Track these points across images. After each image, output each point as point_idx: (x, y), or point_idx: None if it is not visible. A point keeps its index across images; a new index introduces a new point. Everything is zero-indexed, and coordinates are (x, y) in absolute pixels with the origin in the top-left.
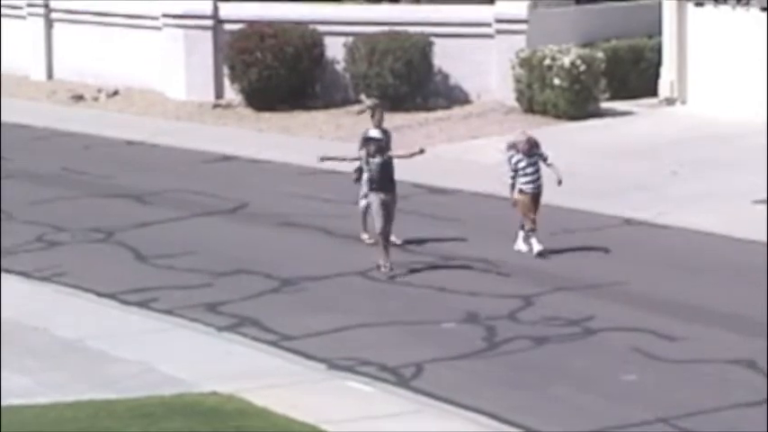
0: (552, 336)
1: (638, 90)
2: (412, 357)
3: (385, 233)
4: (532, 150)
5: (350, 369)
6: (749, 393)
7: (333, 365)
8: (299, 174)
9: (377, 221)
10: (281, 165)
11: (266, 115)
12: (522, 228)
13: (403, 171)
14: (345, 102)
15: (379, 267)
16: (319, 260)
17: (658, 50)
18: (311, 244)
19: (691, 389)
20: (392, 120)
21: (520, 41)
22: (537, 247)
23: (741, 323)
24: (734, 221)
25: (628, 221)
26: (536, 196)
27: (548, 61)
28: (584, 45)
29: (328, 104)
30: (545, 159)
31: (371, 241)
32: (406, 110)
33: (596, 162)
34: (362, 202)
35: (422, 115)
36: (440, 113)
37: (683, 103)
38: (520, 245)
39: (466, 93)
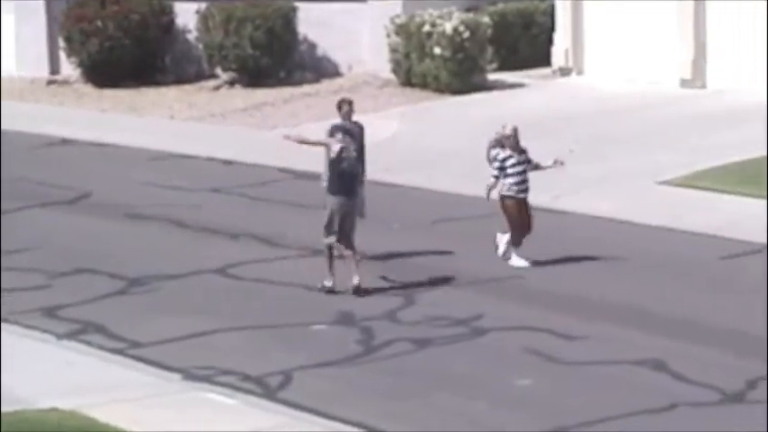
0: (436, 337)
1: (529, 59)
2: (278, 365)
3: (348, 243)
4: (518, 146)
5: (208, 379)
6: (657, 398)
7: (189, 375)
8: (149, 159)
9: (330, 228)
10: (128, 149)
11: (109, 93)
12: (511, 239)
13: (265, 154)
14: (199, 76)
15: (324, 287)
16: (172, 256)
17: (551, 14)
18: (163, 238)
19: (592, 393)
20: (252, 96)
21: (395, 6)
22: (518, 263)
23: (648, 320)
24: (637, 205)
25: None
26: (522, 202)
27: (427, 28)
28: (468, 9)
29: (180, 80)
30: (529, 162)
31: (359, 258)
32: (268, 85)
33: (483, 141)
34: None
35: (286, 91)
36: (306, 88)
37: (579, 73)
38: (516, 260)
39: (335, 64)
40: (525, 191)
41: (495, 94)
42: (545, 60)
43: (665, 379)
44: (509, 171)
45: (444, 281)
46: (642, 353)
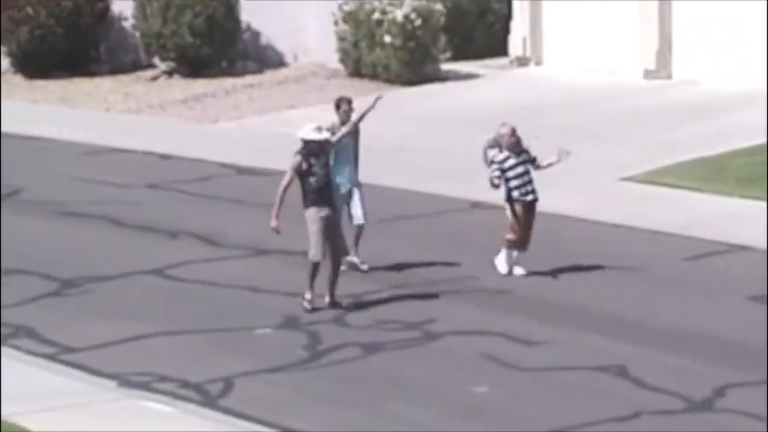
0: (387, 342)
1: (485, 49)
2: (220, 371)
3: (336, 262)
4: (519, 146)
5: (145, 386)
6: (619, 405)
7: (125, 382)
8: (82, 153)
9: (317, 245)
10: (60, 142)
11: (40, 83)
12: (509, 246)
13: (206, 148)
14: (135, 66)
15: (308, 306)
16: (107, 256)
17: (507, 1)
18: (97, 237)
19: (551, 401)
20: (192, 87)
21: None
22: (519, 271)
23: (609, 323)
24: (599, 202)
25: (475, 205)
26: (529, 206)
27: (377, 15)
28: None
29: (115, 70)
30: (533, 161)
31: (365, 267)
32: (209, 75)
33: (436, 135)
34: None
35: (228, 81)
36: (249, 79)
37: (538, 63)
38: (503, 267)
39: (280, 54)
40: (528, 193)
41: (448, 85)
42: (501, 50)
43: (627, 386)
44: (509, 174)
45: (393, 282)
46: (603, 358)
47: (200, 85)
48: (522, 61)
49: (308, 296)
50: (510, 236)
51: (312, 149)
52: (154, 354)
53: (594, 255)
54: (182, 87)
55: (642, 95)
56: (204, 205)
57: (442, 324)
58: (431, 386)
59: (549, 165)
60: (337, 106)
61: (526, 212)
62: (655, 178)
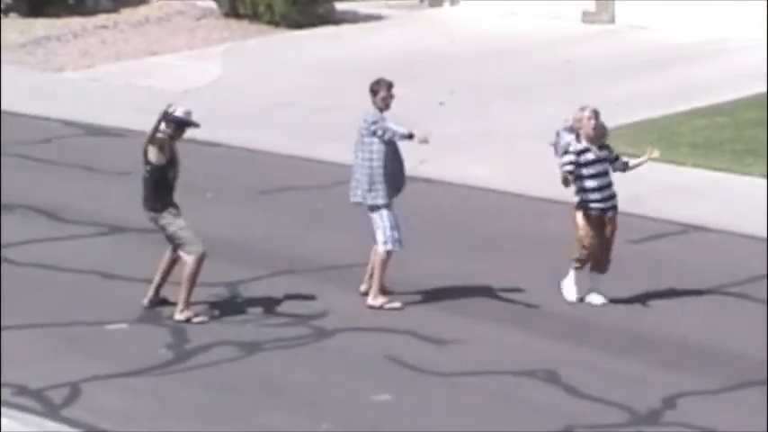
0: (268, 340)
1: None
2: (64, 374)
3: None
4: (604, 136)
5: None
6: (548, 417)
7: None
8: None
9: (192, 251)
10: None
11: None
12: (578, 265)
13: (48, 103)
14: None
15: (189, 319)
16: None
17: None
18: None
19: (466, 412)
20: (32, 29)
21: None
22: (596, 299)
23: (537, 319)
24: (525, 172)
25: None
26: (604, 217)
27: None
28: None
29: None
30: (615, 160)
31: (365, 289)
32: (53, 14)
33: (328, 87)
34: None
35: (76, 22)
36: (101, 19)
37: (453, 3)
38: (571, 292)
39: None
40: (606, 200)
41: (344, 28)
42: None
43: (558, 394)
44: (584, 171)
45: (276, 268)
46: (529, 361)
47: (42, 26)
48: (435, 1)
49: (187, 314)
50: (581, 252)
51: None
52: None
53: (518, 235)
54: (20, 28)
55: (579, 44)
56: (46, 172)
57: (336, 319)
58: (322, 394)
59: (639, 164)
60: (374, 92)
61: (603, 224)
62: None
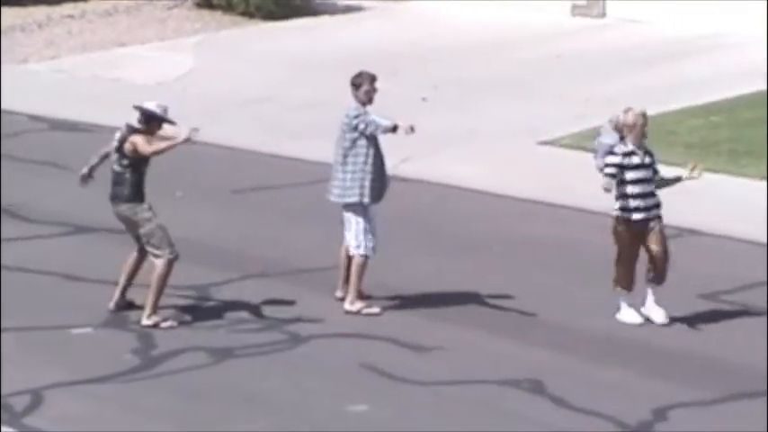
0: (240, 346)
1: None
2: (26, 381)
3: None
4: (642, 140)
5: None
6: (533, 427)
7: None
8: None
9: (167, 240)
10: None
11: None
12: (622, 281)
13: (11, 96)
14: None
15: (157, 324)
16: None
17: None
18: None
19: (448, 423)
20: None
21: None
22: (631, 317)
23: (522, 326)
24: (511, 171)
25: None
26: (645, 226)
27: None
28: None
29: None
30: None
31: (341, 295)
32: (17, 3)
33: (305, 81)
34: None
35: (41, 11)
36: (68, 8)
37: None
38: (626, 312)
39: None
40: (650, 208)
41: (322, 20)
42: None
43: (543, 404)
44: (627, 176)
45: (249, 270)
46: (514, 369)
47: (5, 16)
48: None
49: (155, 318)
50: (618, 268)
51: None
52: None
53: (502, 238)
54: None
55: (568, 38)
56: (10, 168)
57: (311, 324)
58: (296, 403)
59: (676, 181)
60: (356, 85)
61: (640, 234)
62: (582, 143)
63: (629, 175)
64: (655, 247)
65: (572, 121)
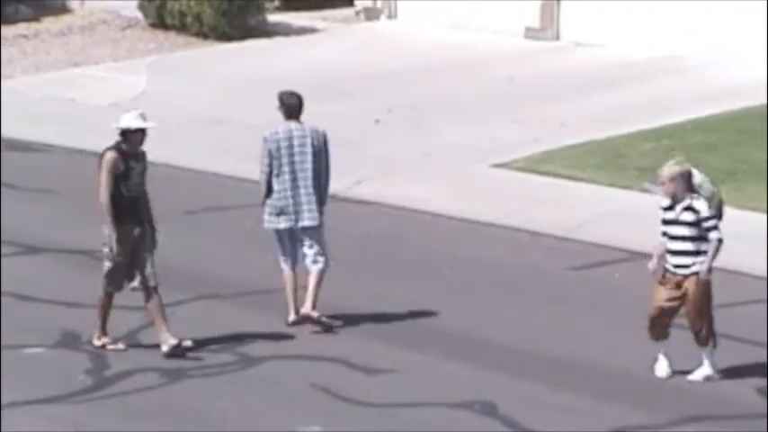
0: (191, 367)
1: None
2: None
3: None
4: (687, 192)
5: None
6: None
7: None
8: None
9: (118, 273)
10: None
11: None
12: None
13: None
14: None
15: (104, 346)
16: None
17: None
18: None
19: None
20: None
21: None
22: (662, 370)
23: (474, 348)
24: (463, 194)
25: None
26: (680, 282)
27: None
28: None
29: None
30: (706, 218)
31: (294, 319)
32: None
33: (259, 103)
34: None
35: None
36: (22, 28)
37: (391, 17)
38: (663, 367)
39: None
40: (679, 267)
41: (277, 41)
42: None
43: (495, 426)
44: (665, 230)
45: (200, 291)
46: (466, 392)
47: None
48: (371, 13)
49: (104, 340)
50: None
51: (134, 146)
52: None
53: (455, 261)
54: None
55: (521, 61)
56: None
57: (263, 345)
58: (247, 424)
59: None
60: (284, 102)
61: (679, 287)
62: (535, 166)
63: (666, 230)
64: (676, 302)
65: (525, 145)
